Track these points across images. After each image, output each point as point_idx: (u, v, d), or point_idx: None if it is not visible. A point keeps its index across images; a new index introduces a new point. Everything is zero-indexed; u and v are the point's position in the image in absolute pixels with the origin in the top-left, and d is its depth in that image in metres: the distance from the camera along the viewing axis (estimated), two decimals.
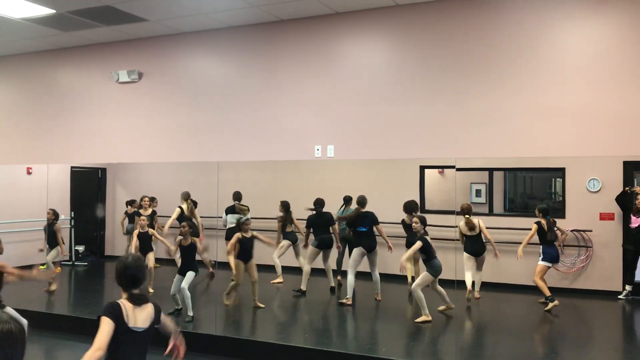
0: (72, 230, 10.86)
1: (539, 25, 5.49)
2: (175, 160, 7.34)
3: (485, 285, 8.04)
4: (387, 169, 8.80)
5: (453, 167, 6.27)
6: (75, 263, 10.77)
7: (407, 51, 6.03)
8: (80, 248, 11.04)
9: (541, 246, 7.53)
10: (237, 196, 8.82)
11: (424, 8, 5.91)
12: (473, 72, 5.72)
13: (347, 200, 8.49)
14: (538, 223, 7.49)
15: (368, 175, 8.87)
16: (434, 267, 6.68)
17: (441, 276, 6.74)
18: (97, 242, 11.26)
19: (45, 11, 6.31)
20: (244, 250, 7.22)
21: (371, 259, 7.71)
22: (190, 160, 7.21)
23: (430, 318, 6.63)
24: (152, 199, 9.35)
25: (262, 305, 7.32)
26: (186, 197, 8.77)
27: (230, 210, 8.76)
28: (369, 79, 6.15)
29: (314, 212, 8.15)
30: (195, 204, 8.91)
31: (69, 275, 10.23)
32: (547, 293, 7.35)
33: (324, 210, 8.17)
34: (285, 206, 8.63)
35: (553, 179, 9.64)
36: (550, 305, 7.30)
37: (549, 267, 7.53)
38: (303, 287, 8.08)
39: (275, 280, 8.71)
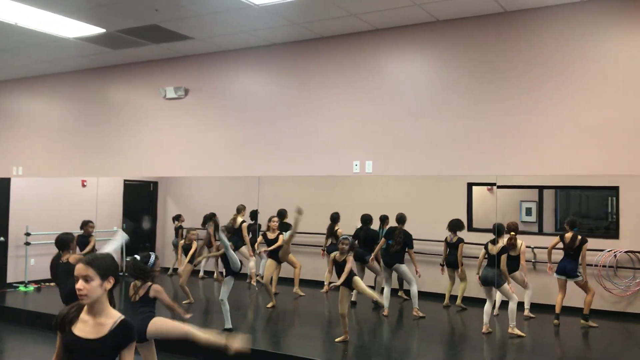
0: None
1: (585, 38, 5.31)
2: (219, 174, 7.47)
3: (533, 307, 7.78)
4: (433, 185, 8.68)
5: (494, 184, 6.14)
6: (126, 274, 11.06)
7: (447, 67, 5.95)
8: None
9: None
10: (281, 214, 8.88)
11: (464, 23, 5.83)
12: (517, 88, 5.57)
13: (383, 219, 8.40)
14: (561, 236, 7.46)
15: (413, 192, 8.76)
16: None
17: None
18: None
19: (97, 30, 6.57)
20: (340, 275, 6.33)
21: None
22: (233, 175, 7.32)
23: (519, 333, 6.72)
24: (214, 215, 9.40)
25: (339, 339, 6.41)
26: (239, 210, 8.92)
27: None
28: (409, 95, 6.10)
29: (362, 227, 8.18)
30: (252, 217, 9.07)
31: (120, 286, 10.50)
32: (556, 310, 7.38)
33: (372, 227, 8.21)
34: (330, 218, 8.57)
35: (609, 198, 9.27)
36: (556, 322, 7.36)
37: (563, 280, 7.41)
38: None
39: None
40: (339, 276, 6.29)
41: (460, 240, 7.98)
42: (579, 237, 7.33)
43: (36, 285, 9.93)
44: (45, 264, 10.13)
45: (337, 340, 6.40)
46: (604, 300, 7.64)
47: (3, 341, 7.55)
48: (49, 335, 7.37)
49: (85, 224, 8.32)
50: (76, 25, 6.40)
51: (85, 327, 2.56)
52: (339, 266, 6.29)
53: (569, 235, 7.39)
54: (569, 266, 7.35)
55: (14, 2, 5.68)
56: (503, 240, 7.03)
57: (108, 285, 2.58)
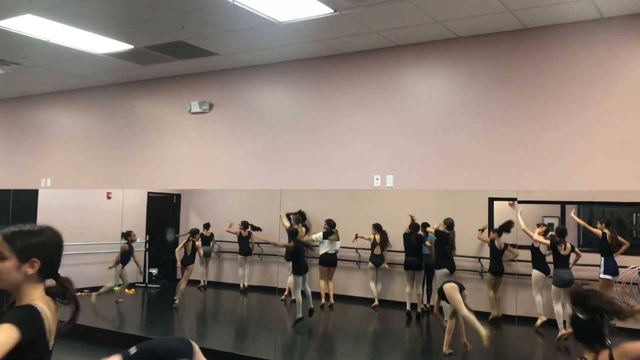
0: (147, 253, 11.32)
1: (605, 55, 5.33)
2: (241, 187, 7.58)
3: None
4: (455, 199, 8.66)
5: (515, 199, 6.15)
6: (148, 285, 11.21)
7: (468, 83, 6.00)
8: (154, 271, 11.47)
9: (602, 258, 7.20)
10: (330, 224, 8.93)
11: (485, 40, 5.88)
12: (538, 104, 5.60)
13: (425, 226, 8.44)
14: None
15: (434, 206, 8.75)
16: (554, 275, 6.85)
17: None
18: (170, 265, 11.66)
19: (125, 47, 6.76)
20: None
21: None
22: (255, 188, 7.42)
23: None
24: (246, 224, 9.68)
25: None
26: (296, 221, 9.04)
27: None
28: (430, 110, 6.16)
29: (411, 232, 8.26)
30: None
31: (141, 297, 10.66)
32: None
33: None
34: (376, 227, 8.56)
35: (634, 214, 9.15)
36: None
37: (611, 281, 7.12)
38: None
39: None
40: None
41: (507, 246, 7.91)
42: (616, 234, 7.30)
43: None
44: (70, 274, 10.37)
45: None
46: None
47: None
48: (72, 343, 7.53)
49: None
50: (106, 42, 6.59)
51: None
52: None
53: (608, 233, 7.29)
54: (614, 265, 7.15)
55: (46, 20, 5.89)
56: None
57: (29, 270, 1.94)
